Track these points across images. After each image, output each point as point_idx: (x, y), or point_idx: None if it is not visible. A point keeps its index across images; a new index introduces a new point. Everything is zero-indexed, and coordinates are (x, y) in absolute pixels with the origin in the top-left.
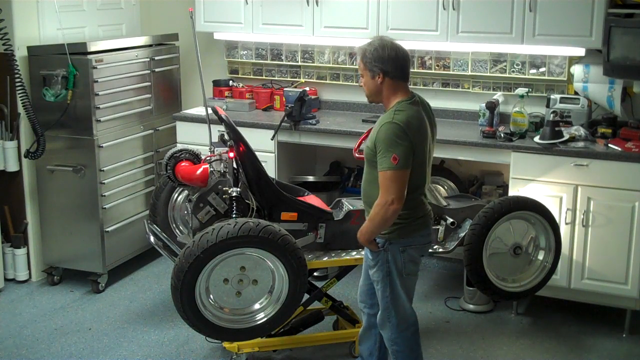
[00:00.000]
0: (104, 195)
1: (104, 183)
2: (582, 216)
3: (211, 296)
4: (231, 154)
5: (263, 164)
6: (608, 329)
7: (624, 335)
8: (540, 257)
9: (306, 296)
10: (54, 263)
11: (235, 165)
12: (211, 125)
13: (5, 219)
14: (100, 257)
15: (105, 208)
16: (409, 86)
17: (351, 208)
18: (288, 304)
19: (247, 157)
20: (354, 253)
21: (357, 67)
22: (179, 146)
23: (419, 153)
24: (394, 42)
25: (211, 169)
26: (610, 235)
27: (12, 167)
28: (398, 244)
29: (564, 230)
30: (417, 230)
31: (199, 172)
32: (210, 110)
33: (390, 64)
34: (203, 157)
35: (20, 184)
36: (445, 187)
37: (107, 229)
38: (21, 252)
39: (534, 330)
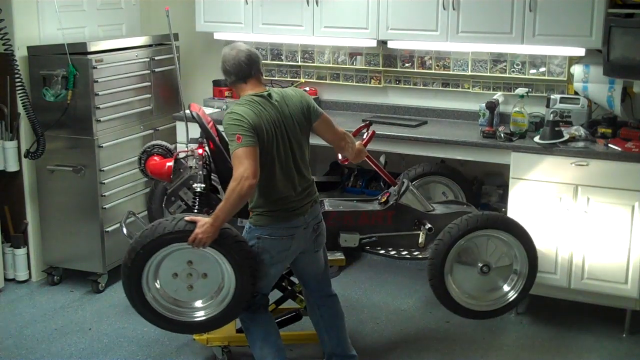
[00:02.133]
0: (104, 195)
1: (104, 183)
2: (582, 216)
3: (158, 282)
4: (200, 150)
5: None
6: (608, 329)
7: (624, 335)
8: (510, 280)
9: (280, 295)
10: (54, 263)
11: (207, 161)
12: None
13: (5, 219)
14: (100, 257)
15: (105, 208)
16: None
17: (330, 209)
18: (233, 304)
19: (216, 154)
20: (328, 254)
21: (357, 67)
22: (154, 141)
23: (263, 143)
24: (232, 49)
25: (190, 164)
26: (610, 235)
27: (12, 167)
28: (254, 231)
29: (564, 230)
30: (271, 222)
31: (165, 167)
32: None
33: (226, 71)
34: (175, 153)
35: (20, 184)
36: (450, 188)
37: (107, 229)
38: (21, 252)
39: (534, 330)
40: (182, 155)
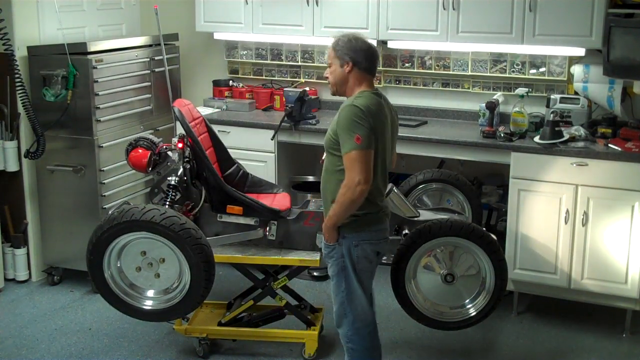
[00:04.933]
0: (104, 195)
1: (104, 183)
2: (582, 216)
3: (120, 264)
4: (180, 145)
5: (263, 163)
6: (608, 329)
7: (624, 335)
8: (472, 295)
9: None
10: (54, 263)
11: (188, 156)
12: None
13: (5, 219)
14: None
15: (105, 208)
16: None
17: (310, 209)
18: (186, 299)
19: (195, 150)
20: (304, 254)
21: None
22: (142, 133)
23: (377, 141)
24: (367, 39)
25: (174, 157)
26: (610, 235)
27: (12, 167)
28: (352, 238)
29: (564, 230)
30: (370, 225)
31: (142, 159)
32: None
33: (361, 55)
34: (158, 147)
35: (20, 184)
36: (454, 196)
37: None
38: (21, 252)
39: (534, 330)
40: (163, 149)
